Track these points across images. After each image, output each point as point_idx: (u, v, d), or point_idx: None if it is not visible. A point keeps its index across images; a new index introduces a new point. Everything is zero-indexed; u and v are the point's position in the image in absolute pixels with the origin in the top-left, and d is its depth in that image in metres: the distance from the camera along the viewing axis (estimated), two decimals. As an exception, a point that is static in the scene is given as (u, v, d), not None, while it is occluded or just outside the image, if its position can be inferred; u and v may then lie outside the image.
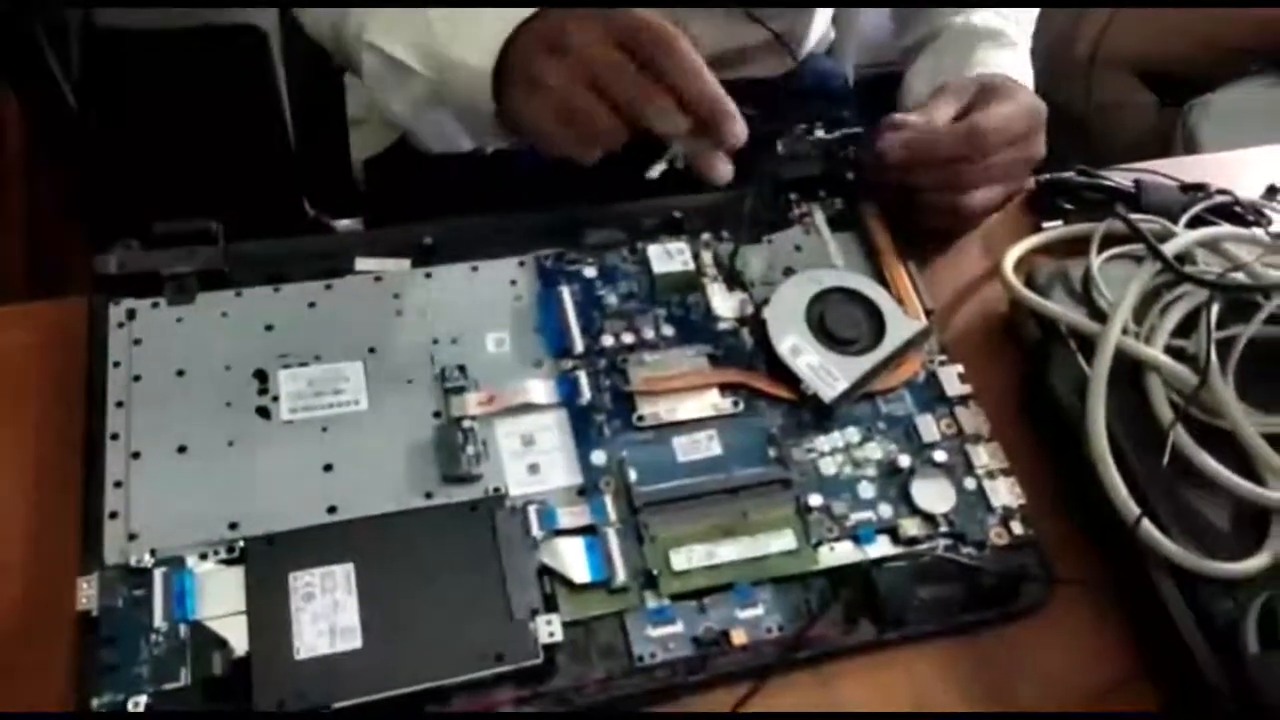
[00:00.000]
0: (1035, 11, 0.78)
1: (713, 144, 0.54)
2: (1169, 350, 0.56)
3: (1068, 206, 0.67)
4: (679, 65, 0.52)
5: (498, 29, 0.56)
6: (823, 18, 0.85)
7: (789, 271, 0.61)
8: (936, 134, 0.61)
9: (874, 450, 0.55)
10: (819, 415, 0.56)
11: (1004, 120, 0.62)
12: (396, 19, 0.62)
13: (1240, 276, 0.59)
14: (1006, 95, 0.64)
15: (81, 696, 0.44)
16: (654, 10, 0.54)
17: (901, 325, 0.58)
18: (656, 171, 0.56)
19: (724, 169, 0.55)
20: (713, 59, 0.76)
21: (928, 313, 0.60)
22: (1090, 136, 1.40)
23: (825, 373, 0.56)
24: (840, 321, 0.58)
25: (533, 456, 0.53)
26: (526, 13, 0.56)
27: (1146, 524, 0.50)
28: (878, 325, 0.58)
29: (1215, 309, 0.56)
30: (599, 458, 0.53)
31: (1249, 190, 0.68)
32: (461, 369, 0.54)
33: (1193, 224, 0.63)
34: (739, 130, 0.53)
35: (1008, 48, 0.73)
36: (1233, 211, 0.65)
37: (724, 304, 0.59)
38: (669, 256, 0.61)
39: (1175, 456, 0.52)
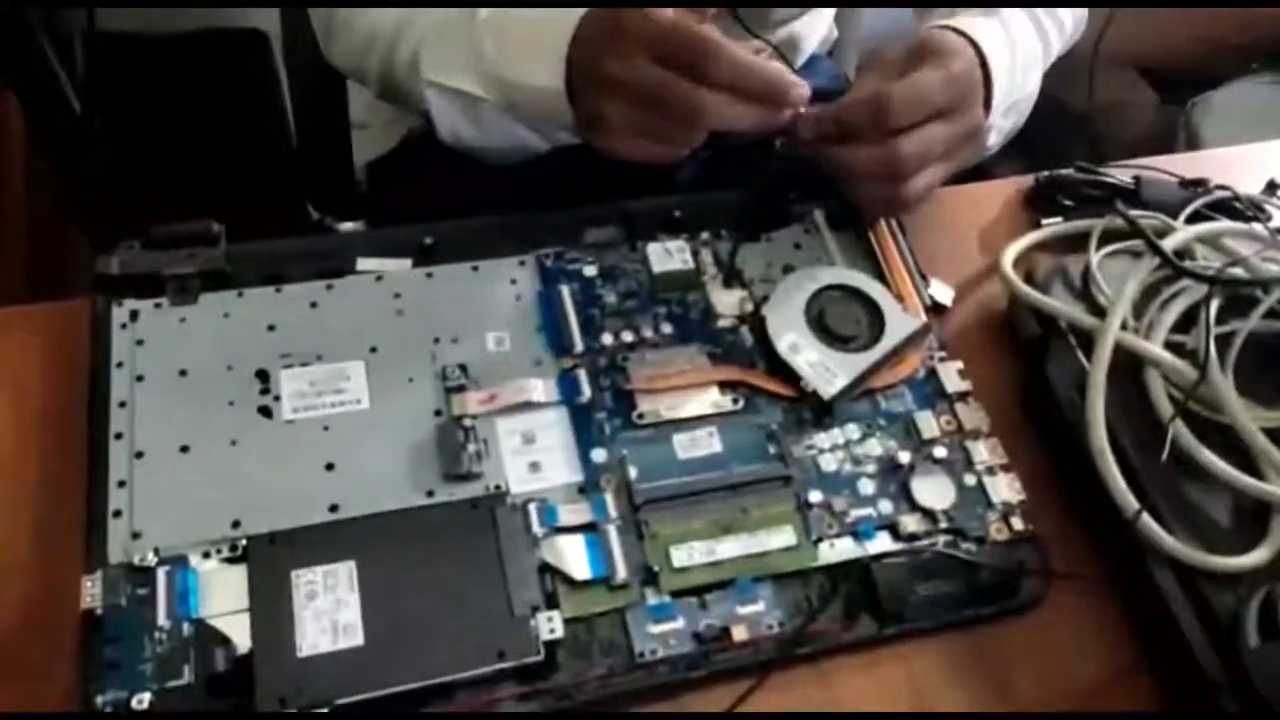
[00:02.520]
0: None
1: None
2: (1168, 345, 0.56)
3: (1067, 203, 0.68)
4: (724, 69, 0.53)
5: (554, 44, 0.57)
6: (826, 20, 0.85)
7: (788, 269, 0.61)
8: (843, 106, 0.58)
9: (874, 447, 0.55)
10: (818, 412, 0.56)
11: (919, 91, 0.57)
12: (446, 49, 0.62)
13: (1239, 271, 0.59)
14: (935, 61, 0.58)
15: (85, 694, 0.44)
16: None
17: (901, 322, 0.58)
18: None
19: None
20: None
21: (938, 308, 0.60)
22: (1092, 134, 1.39)
23: (824, 369, 0.56)
24: (839, 319, 0.58)
25: (533, 454, 0.53)
26: (575, 16, 0.57)
27: (1146, 518, 0.50)
28: (877, 322, 0.59)
29: (1214, 304, 0.56)
30: (599, 455, 0.53)
31: (1249, 186, 0.68)
32: (462, 368, 0.55)
33: (1192, 220, 0.63)
34: (804, 94, 0.55)
35: (991, 17, 0.65)
36: (1232, 207, 0.65)
37: (723, 302, 0.60)
38: (668, 255, 0.61)
39: (1175, 451, 0.53)
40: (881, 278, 0.61)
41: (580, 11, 0.57)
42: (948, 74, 0.58)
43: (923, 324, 0.59)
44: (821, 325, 0.58)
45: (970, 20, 0.62)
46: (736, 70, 0.53)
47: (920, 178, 0.58)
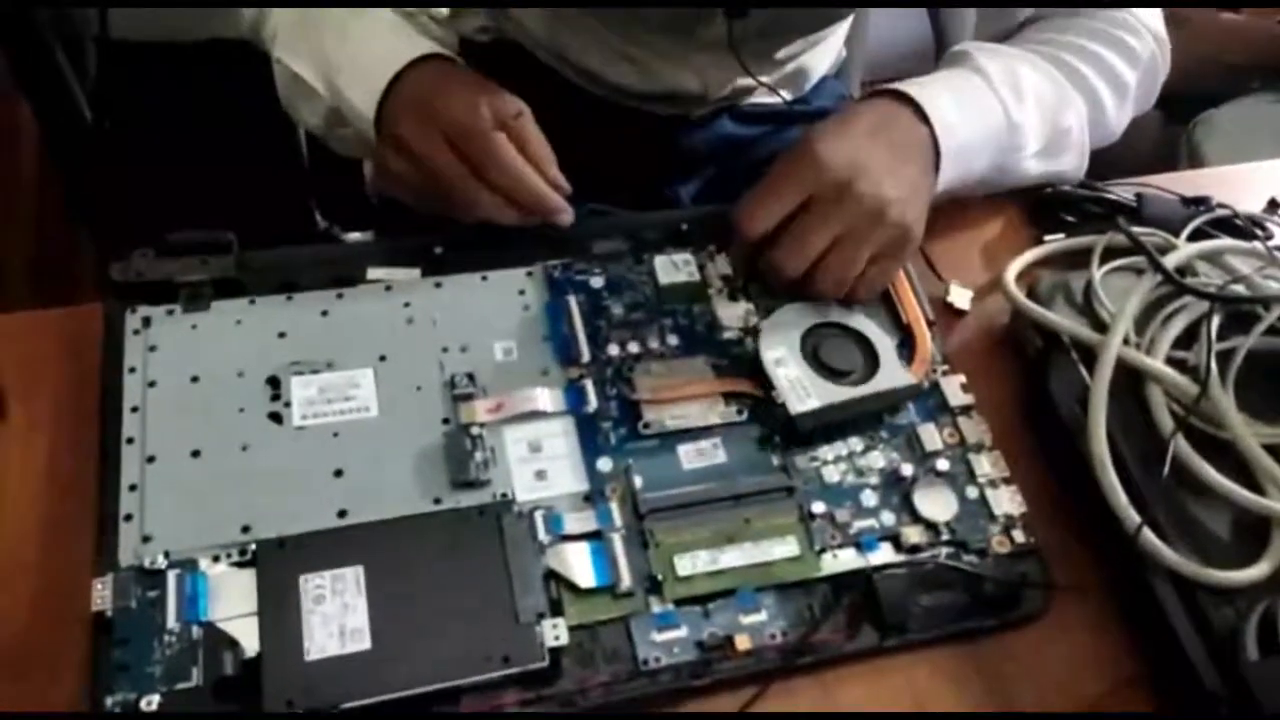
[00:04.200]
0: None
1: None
2: (1170, 361, 0.57)
3: (1069, 219, 0.68)
4: (498, 177, 0.57)
5: (379, 76, 0.59)
6: (835, 47, 0.85)
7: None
8: (736, 245, 0.60)
9: (877, 459, 0.56)
10: (787, 430, 0.55)
11: (752, 201, 0.58)
12: (299, 37, 0.64)
13: (1240, 289, 0.60)
14: (792, 154, 0.58)
15: (94, 696, 0.44)
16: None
17: (893, 373, 0.57)
18: None
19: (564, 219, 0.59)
20: (725, 96, 0.77)
21: (957, 312, 0.62)
22: (1096, 152, 1.40)
23: (800, 387, 0.56)
24: (834, 353, 0.58)
25: (540, 463, 0.53)
26: (407, 58, 0.59)
27: (1147, 532, 0.51)
28: (871, 362, 0.58)
29: (1215, 321, 0.57)
30: (605, 465, 0.53)
31: (1250, 204, 0.69)
32: (470, 376, 0.55)
33: (1194, 237, 0.64)
34: (565, 220, 0.59)
35: (955, 65, 0.66)
36: (1233, 225, 0.66)
37: (729, 315, 0.60)
38: (675, 267, 0.61)
39: (1176, 466, 0.53)
40: (890, 302, 0.61)
41: (416, 54, 0.60)
42: (782, 168, 0.58)
43: (914, 384, 0.57)
44: (815, 358, 0.57)
45: (919, 80, 0.63)
46: (508, 181, 0.57)
47: (828, 269, 0.58)
